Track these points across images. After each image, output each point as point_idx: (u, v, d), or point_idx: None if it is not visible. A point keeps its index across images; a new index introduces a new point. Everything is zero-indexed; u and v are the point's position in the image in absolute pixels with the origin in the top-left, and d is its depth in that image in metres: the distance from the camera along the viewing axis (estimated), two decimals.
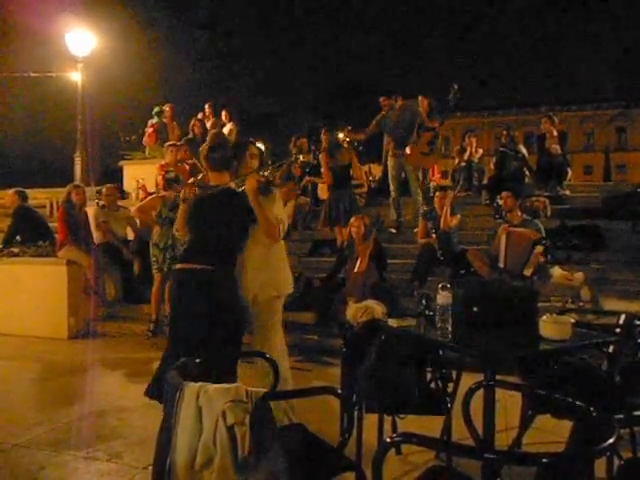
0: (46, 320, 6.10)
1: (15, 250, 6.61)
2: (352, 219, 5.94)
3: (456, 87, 7.25)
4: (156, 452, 1.92)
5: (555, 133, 7.73)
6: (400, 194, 7.23)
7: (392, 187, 7.21)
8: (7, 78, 15.28)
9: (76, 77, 11.47)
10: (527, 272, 5.23)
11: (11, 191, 7.20)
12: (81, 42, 10.98)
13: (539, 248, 5.25)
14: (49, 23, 12.53)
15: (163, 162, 7.42)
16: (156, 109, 9.86)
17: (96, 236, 6.63)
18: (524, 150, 8.50)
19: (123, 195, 8.41)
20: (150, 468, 2.19)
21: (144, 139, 9.77)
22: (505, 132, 8.80)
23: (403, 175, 7.22)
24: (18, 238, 6.83)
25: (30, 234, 6.72)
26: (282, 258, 3.25)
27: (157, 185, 7.14)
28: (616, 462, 1.94)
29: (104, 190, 7.05)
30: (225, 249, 3.05)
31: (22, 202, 7.09)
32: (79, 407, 3.86)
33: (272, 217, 3.05)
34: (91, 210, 6.82)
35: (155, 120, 9.74)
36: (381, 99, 7.26)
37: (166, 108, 9.87)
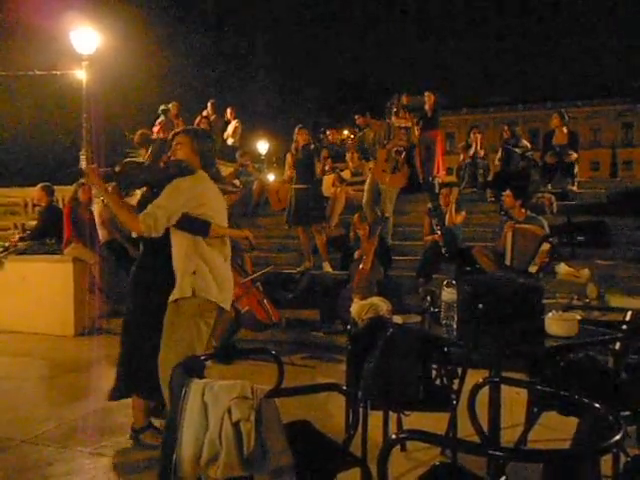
0: (52, 317, 6.14)
1: (21, 248, 6.65)
2: (356, 216, 5.96)
3: (397, 95, 7.28)
4: (162, 448, 1.93)
5: (565, 130, 7.65)
6: (372, 206, 6.92)
7: (364, 199, 6.96)
8: (12, 76, 15.32)
9: (81, 75, 11.49)
10: (532, 269, 5.22)
11: (38, 187, 7.15)
12: (86, 40, 11.00)
13: (546, 246, 5.23)
14: (54, 21, 12.57)
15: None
16: (162, 107, 9.89)
17: (102, 234, 6.65)
18: (528, 145, 8.46)
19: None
20: (156, 464, 2.20)
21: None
22: (507, 128, 8.75)
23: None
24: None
25: (55, 233, 6.65)
26: (197, 261, 2.81)
27: None
28: (622, 459, 1.93)
29: (109, 188, 7.04)
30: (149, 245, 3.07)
31: (50, 198, 7.06)
32: (86, 403, 3.89)
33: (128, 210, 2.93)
34: (97, 208, 6.85)
35: (161, 118, 9.78)
36: (356, 117, 7.24)
37: (171, 106, 9.91)
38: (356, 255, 5.70)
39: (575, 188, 7.76)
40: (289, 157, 6.82)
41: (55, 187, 7.56)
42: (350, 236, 6.14)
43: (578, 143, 7.82)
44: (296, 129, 6.73)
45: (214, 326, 3.01)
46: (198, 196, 2.86)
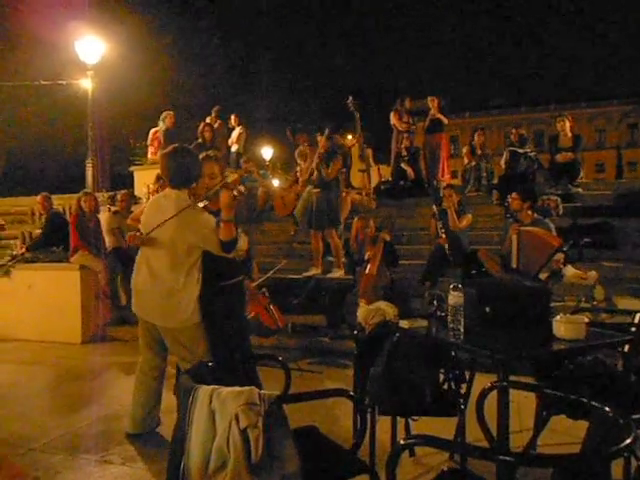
0: (59, 325, 6.16)
1: (28, 256, 6.69)
2: (355, 220, 5.97)
3: (351, 98, 7.57)
4: (170, 455, 1.93)
5: (570, 134, 7.66)
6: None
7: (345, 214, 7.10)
8: (18, 86, 15.45)
9: (86, 84, 11.57)
10: (542, 276, 5.21)
11: (38, 197, 7.33)
12: (91, 49, 11.08)
13: (559, 256, 5.22)
14: (59, 31, 12.66)
15: None
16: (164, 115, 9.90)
17: (108, 241, 6.68)
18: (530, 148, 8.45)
19: (135, 200, 8.49)
20: (164, 471, 2.20)
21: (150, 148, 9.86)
22: (515, 131, 8.73)
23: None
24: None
25: (60, 241, 6.71)
26: None
27: (148, 192, 7.24)
28: (634, 463, 1.91)
29: (119, 196, 7.16)
30: None
31: (50, 206, 7.22)
32: (93, 411, 3.89)
33: None
34: (104, 216, 6.89)
35: (160, 126, 9.79)
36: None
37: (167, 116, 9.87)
38: (366, 256, 5.65)
39: (580, 190, 7.74)
40: (316, 159, 6.64)
41: (63, 196, 7.64)
42: (351, 244, 6.12)
43: (581, 146, 7.82)
44: (319, 134, 6.68)
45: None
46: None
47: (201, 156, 3.36)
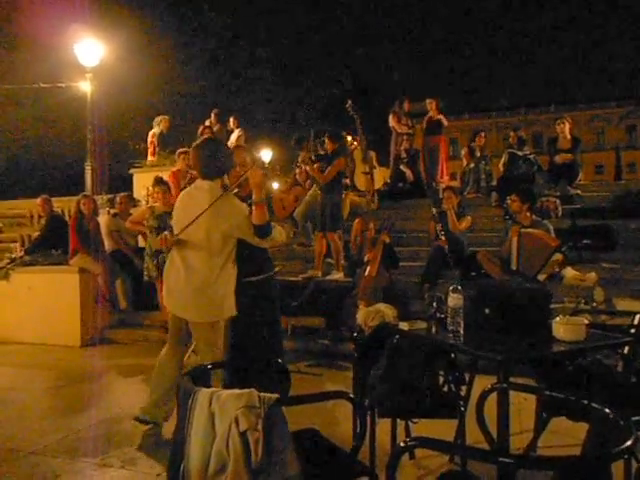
0: (59, 328, 6.15)
1: (27, 259, 6.69)
2: (355, 222, 5.97)
3: (350, 102, 7.76)
4: (170, 458, 1.93)
5: (569, 136, 7.68)
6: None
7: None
8: (17, 89, 15.47)
9: (85, 87, 11.57)
10: (541, 277, 5.21)
11: (38, 199, 7.41)
12: (90, 52, 11.08)
13: (558, 256, 5.21)
14: (58, 34, 12.68)
15: (174, 169, 7.51)
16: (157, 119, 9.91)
17: (107, 244, 6.68)
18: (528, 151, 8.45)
19: (134, 203, 8.48)
20: (164, 474, 2.20)
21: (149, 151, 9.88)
22: (513, 133, 8.73)
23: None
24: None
25: (60, 243, 6.73)
26: None
27: (148, 194, 7.25)
28: (634, 465, 1.91)
29: (118, 199, 7.17)
30: None
31: (50, 209, 7.30)
32: (93, 414, 3.88)
33: None
34: (103, 218, 6.88)
35: (154, 129, 9.80)
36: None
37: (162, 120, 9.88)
38: (366, 258, 5.66)
39: (579, 191, 7.74)
40: (310, 163, 6.63)
41: (62, 198, 7.65)
42: (350, 246, 6.12)
43: (580, 148, 7.85)
44: (328, 139, 6.64)
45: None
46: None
47: (232, 146, 3.38)
